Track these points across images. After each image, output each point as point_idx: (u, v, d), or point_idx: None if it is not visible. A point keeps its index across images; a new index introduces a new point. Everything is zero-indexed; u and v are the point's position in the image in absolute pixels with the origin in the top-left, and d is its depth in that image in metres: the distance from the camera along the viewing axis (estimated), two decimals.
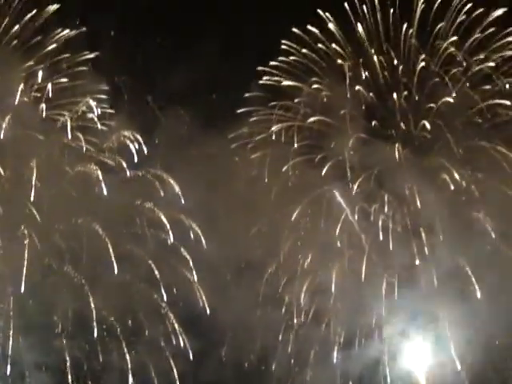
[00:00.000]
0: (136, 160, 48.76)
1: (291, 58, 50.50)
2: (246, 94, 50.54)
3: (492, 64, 47.81)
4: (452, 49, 48.08)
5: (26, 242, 45.87)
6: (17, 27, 48.47)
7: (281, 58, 50.42)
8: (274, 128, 50.27)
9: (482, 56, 48.05)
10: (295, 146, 49.79)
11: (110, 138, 48.82)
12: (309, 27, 50.18)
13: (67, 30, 49.29)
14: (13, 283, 45.77)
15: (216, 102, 51.74)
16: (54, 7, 48.92)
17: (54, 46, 49.11)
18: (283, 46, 50.37)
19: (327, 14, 50.07)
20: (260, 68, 50.43)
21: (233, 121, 50.27)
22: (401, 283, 47.54)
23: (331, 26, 50.18)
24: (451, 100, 47.73)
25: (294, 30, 50.06)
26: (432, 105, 48.45)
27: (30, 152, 47.06)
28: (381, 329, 48.19)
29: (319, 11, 49.92)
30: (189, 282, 48.20)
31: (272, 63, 50.55)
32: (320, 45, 50.41)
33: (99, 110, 48.84)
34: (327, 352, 48.31)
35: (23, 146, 47.25)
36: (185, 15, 52.06)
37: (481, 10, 47.75)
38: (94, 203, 47.44)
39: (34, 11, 48.60)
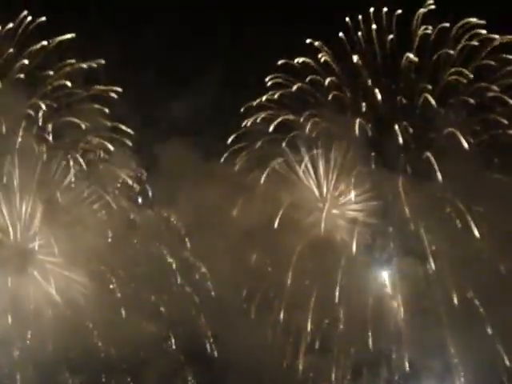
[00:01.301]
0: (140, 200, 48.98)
1: (285, 90, 49.84)
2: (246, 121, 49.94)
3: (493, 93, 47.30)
4: (453, 77, 47.44)
5: None
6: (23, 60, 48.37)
7: (272, 92, 49.83)
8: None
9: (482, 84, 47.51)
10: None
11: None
12: (303, 58, 49.72)
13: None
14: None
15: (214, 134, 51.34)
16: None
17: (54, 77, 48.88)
18: (277, 80, 49.83)
19: (321, 43, 49.70)
20: (256, 102, 49.90)
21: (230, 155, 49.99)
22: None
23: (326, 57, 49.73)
24: (453, 130, 47.14)
25: (289, 61, 49.63)
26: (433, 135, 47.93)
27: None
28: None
29: (312, 41, 49.62)
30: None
31: (267, 97, 49.93)
32: (315, 76, 49.81)
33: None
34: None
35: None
36: (185, 53, 51.78)
37: (481, 36, 47.15)
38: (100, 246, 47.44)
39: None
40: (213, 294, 48.50)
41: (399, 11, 48.13)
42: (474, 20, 46.98)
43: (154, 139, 49.93)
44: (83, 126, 48.51)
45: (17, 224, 47.67)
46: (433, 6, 47.49)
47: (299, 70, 49.93)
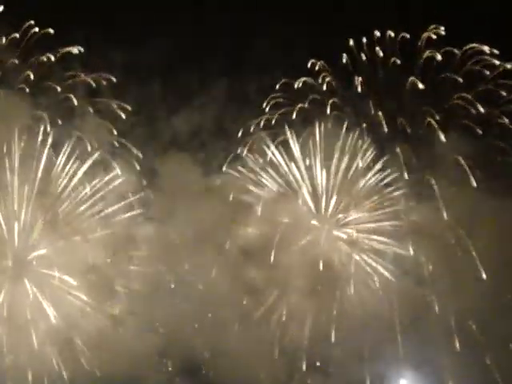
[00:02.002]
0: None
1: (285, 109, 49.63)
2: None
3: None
4: (457, 101, 47.28)
5: None
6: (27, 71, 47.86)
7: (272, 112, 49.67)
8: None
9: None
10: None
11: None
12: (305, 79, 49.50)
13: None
14: None
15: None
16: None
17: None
18: (277, 100, 49.67)
19: (323, 64, 49.50)
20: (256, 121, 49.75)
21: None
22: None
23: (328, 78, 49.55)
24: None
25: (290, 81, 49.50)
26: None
27: None
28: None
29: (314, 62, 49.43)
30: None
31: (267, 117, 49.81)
32: (317, 96, 49.50)
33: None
34: None
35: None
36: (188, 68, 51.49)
37: (486, 62, 47.02)
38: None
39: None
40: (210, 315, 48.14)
41: (404, 34, 48.13)
42: (478, 45, 47.03)
43: (155, 153, 49.80)
44: (86, 141, 48.29)
45: (15, 233, 47.10)
46: (438, 31, 47.48)
47: (301, 90, 49.82)
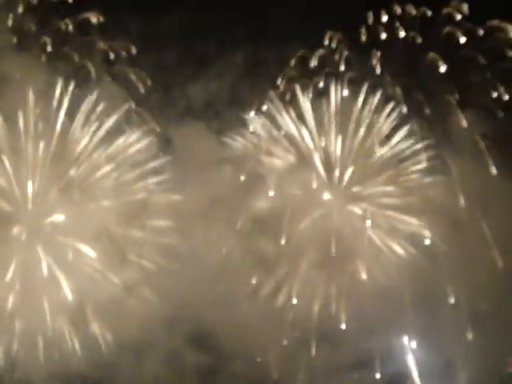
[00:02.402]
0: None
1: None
2: None
3: None
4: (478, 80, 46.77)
5: None
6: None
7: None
8: None
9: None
10: None
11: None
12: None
13: None
14: None
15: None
16: None
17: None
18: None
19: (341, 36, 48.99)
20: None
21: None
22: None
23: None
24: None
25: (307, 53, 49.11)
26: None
27: None
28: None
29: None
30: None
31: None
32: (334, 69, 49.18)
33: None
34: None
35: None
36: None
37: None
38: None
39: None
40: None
41: (425, 10, 47.53)
42: (501, 23, 46.35)
43: (171, 121, 49.58)
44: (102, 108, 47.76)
45: (29, 198, 46.83)
46: (460, 7, 46.90)
47: (317, 62, 49.40)
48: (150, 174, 47.81)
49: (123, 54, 48.92)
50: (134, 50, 48.71)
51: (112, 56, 49.00)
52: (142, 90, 49.14)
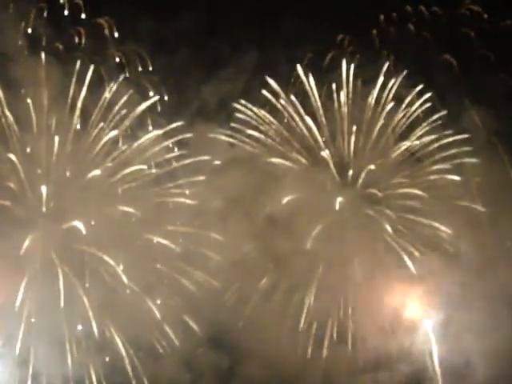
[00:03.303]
0: None
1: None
2: None
3: None
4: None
5: None
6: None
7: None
8: None
9: None
10: None
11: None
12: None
13: None
14: None
15: None
16: None
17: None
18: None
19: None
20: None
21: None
22: None
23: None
24: None
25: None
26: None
27: None
28: None
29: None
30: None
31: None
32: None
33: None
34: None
35: None
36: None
37: None
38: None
39: None
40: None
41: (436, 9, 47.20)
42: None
43: (184, 123, 48.96)
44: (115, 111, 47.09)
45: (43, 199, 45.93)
46: (472, 6, 46.55)
47: (329, 64, 49.10)
48: (167, 177, 47.24)
49: (135, 57, 48.43)
50: (145, 54, 48.27)
51: (124, 59, 48.48)
52: (154, 92, 48.62)
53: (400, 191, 46.85)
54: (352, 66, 48.28)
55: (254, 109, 49.05)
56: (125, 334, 45.86)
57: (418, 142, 46.85)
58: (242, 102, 48.88)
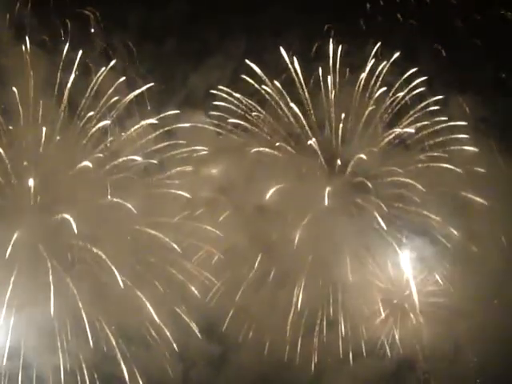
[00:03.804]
0: None
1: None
2: None
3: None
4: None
5: None
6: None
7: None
8: None
9: None
10: None
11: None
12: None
13: None
14: None
15: None
16: None
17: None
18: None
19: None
20: None
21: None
22: None
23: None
24: None
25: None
26: None
27: None
28: None
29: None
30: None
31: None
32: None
33: None
34: None
35: None
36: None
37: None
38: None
39: None
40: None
41: None
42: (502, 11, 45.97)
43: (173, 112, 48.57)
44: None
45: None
46: None
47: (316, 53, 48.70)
48: (156, 168, 46.88)
49: (121, 46, 47.90)
50: (131, 44, 47.81)
51: (110, 48, 47.94)
52: (141, 81, 48.12)
53: (389, 179, 46.74)
54: (339, 52, 48.11)
55: (240, 97, 48.61)
56: (115, 325, 45.58)
57: (406, 130, 46.55)
58: (228, 90, 48.57)
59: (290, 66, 48.15)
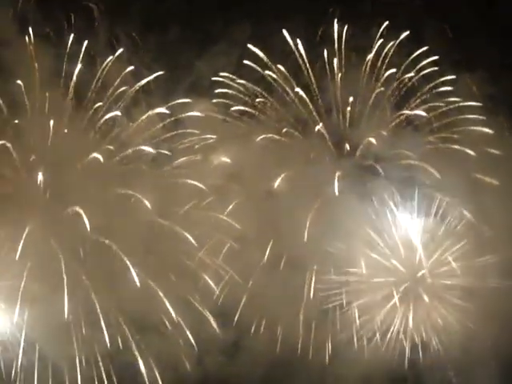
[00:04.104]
0: None
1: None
2: None
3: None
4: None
5: None
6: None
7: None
8: None
9: None
10: None
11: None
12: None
13: None
14: None
15: None
16: None
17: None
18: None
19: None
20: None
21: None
22: None
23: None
24: None
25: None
26: None
27: None
28: None
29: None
30: None
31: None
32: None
33: None
34: None
35: None
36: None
37: None
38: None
39: None
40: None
41: None
42: None
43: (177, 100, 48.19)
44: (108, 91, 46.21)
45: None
46: None
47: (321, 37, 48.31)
48: (165, 158, 46.55)
49: (125, 36, 47.54)
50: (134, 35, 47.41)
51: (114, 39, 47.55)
52: (147, 70, 47.78)
53: (399, 162, 46.41)
54: (344, 35, 47.68)
55: (246, 83, 48.28)
56: (129, 316, 45.52)
57: (415, 112, 46.20)
58: (234, 77, 48.24)
59: (294, 50, 47.72)
